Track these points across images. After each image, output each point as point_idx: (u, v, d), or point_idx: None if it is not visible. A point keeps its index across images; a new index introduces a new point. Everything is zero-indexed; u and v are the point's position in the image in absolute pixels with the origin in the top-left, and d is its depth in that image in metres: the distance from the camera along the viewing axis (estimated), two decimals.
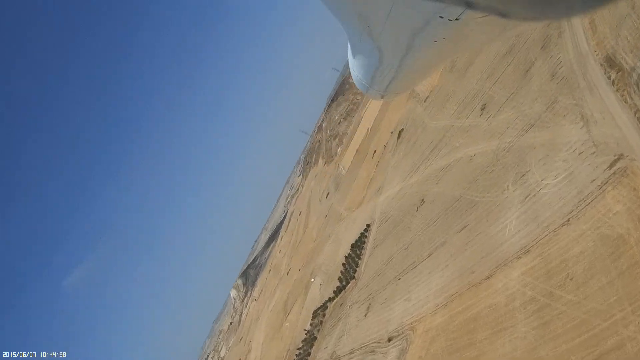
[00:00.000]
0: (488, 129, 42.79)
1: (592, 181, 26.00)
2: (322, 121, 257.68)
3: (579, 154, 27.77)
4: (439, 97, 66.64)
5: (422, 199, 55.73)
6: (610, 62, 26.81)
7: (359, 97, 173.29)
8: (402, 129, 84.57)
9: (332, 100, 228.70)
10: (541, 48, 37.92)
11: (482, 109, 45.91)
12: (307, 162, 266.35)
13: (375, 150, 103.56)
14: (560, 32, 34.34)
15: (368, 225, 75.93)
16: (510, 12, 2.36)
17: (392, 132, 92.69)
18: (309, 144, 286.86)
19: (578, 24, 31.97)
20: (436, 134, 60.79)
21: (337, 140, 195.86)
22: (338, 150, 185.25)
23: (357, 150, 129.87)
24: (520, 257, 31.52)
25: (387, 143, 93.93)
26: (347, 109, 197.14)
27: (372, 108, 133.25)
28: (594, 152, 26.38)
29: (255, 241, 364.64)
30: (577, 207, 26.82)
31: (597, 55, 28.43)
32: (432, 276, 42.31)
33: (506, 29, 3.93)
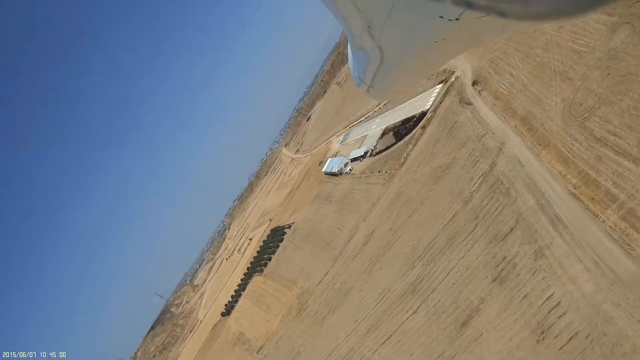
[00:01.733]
0: None
1: None
2: (138, 351, 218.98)
3: None
4: (280, 351, 41.96)
5: None
6: None
7: (178, 330, 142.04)
8: None
9: (151, 329, 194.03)
10: (493, 281, 18.88)
11: None
12: None
13: None
14: (538, 247, 17.48)
15: None
16: (510, 12, 2.31)
17: None
18: None
19: (591, 226, 16.45)
20: None
21: None
22: None
23: None
24: None
25: None
26: (164, 341, 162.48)
27: (191, 345, 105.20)
28: None
29: None
30: None
31: None
32: None
33: (506, 29, 3.66)
